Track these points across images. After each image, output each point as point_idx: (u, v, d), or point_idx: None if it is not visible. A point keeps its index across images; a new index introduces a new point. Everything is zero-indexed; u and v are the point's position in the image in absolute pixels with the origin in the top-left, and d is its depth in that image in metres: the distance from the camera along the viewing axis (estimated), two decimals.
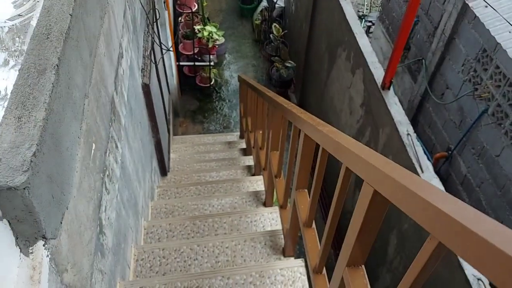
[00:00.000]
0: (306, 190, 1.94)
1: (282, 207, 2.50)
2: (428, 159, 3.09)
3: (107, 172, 1.84)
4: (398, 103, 3.37)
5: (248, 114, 4.64)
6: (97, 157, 1.67)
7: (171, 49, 4.34)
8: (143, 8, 3.16)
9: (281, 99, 2.36)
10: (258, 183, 3.64)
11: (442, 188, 2.79)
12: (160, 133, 3.80)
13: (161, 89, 4.16)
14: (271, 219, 2.83)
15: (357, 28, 4.00)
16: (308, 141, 1.71)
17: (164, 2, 4.83)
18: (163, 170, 3.98)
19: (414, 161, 3.01)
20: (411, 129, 3.19)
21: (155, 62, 3.78)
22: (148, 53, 3.37)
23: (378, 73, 3.60)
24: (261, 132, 3.61)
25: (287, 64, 6.14)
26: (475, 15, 4.42)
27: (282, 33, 6.45)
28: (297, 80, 6.48)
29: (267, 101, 3.06)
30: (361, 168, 1.09)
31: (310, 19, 5.38)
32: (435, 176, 2.83)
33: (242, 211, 2.93)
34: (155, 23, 4.08)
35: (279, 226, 2.70)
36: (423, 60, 5.65)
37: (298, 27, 6.17)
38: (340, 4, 4.25)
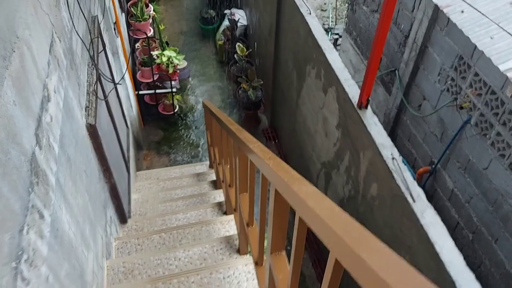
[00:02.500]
0: (283, 254, 1.57)
1: (257, 263, 2.12)
2: (411, 174, 2.79)
3: (25, 257, 1.42)
4: (378, 123, 3.08)
5: (215, 143, 4.27)
6: (4, 243, 1.26)
7: (120, 82, 3.95)
8: (81, 38, 2.77)
9: (245, 136, 2.00)
10: (230, 224, 3.25)
11: (435, 214, 2.49)
12: (116, 176, 3.38)
13: (115, 125, 3.75)
14: (246, 273, 2.44)
15: (325, 43, 3.72)
16: (281, 200, 1.35)
17: (114, 29, 4.45)
18: (123, 217, 3.54)
19: (403, 188, 2.70)
20: (396, 152, 2.89)
21: (105, 96, 3.38)
22: (94, 88, 2.97)
23: (353, 91, 3.31)
24: (228, 167, 3.24)
25: (255, 84, 5.83)
26: (448, 21, 4.23)
27: (247, 53, 6.17)
28: (266, 100, 6.17)
29: (231, 136, 2.70)
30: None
31: (274, 36, 5.10)
32: (429, 205, 2.52)
33: (212, 265, 2.53)
34: (102, 53, 3.69)
35: (256, 282, 2.31)
36: (396, 71, 5.45)
37: (263, 45, 5.89)
38: (304, 19, 3.98)
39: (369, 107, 3.17)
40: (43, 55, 1.93)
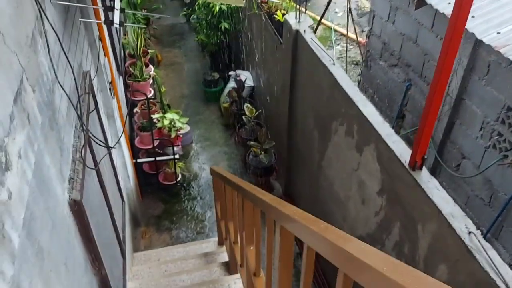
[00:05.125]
0: None
1: None
2: None
3: None
4: (441, 188, 2.48)
5: (228, 217, 3.61)
6: None
7: (115, 147, 3.40)
8: (66, 93, 2.24)
9: (252, 187, 1.44)
10: None
11: None
12: (107, 264, 2.70)
13: (108, 199, 3.13)
14: None
15: (357, 95, 3.23)
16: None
17: (110, 89, 3.98)
18: None
19: (491, 272, 2.03)
20: (471, 224, 2.26)
21: (95, 165, 2.79)
22: (82, 155, 2.39)
23: (401, 148, 2.74)
24: (252, 248, 2.57)
25: (266, 147, 5.30)
26: (488, 69, 3.80)
27: (256, 114, 5.71)
28: (280, 165, 5.60)
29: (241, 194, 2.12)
30: None
31: (289, 94, 4.65)
32: None
33: None
34: (95, 115, 3.17)
35: None
36: None
37: (274, 105, 5.45)
38: (328, 70, 3.53)
39: (424, 167, 2.58)
40: (1, 104, 1.37)
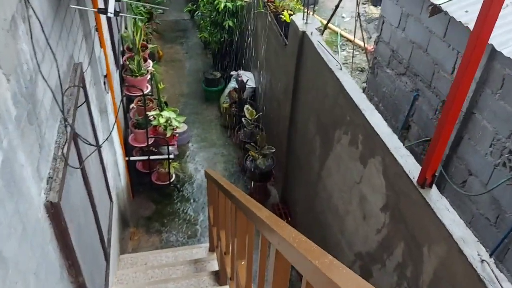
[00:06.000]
0: None
1: None
2: None
3: None
4: (451, 209, 2.30)
5: (220, 224, 3.43)
6: None
7: (101, 145, 3.22)
8: (48, 85, 2.05)
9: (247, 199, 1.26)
10: None
11: None
12: (86, 270, 2.51)
13: (93, 200, 2.94)
14: None
15: (364, 103, 3.05)
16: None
17: (104, 83, 3.80)
18: None
19: None
20: (483, 252, 2.08)
21: (80, 163, 2.61)
22: (64, 152, 2.21)
23: (409, 163, 2.57)
24: (243, 263, 2.38)
25: (265, 152, 5.12)
26: (503, 83, 3.62)
27: (256, 116, 5.53)
28: (278, 170, 5.42)
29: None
30: None
31: (291, 98, 4.47)
32: None
33: None
34: (85, 110, 2.99)
35: None
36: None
37: (276, 108, 5.27)
38: (335, 75, 3.35)
39: (434, 185, 2.41)
40: None
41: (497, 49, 3.11)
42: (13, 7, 1.71)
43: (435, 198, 2.34)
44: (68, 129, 2.32)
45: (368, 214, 3.08)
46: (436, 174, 2.37)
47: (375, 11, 10.33)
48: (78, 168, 2.57)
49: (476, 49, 1.96)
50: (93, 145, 2.71)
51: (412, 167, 2.53)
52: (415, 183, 2.44)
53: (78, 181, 2.67)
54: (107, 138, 3.37)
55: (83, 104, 2.88)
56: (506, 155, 3.69)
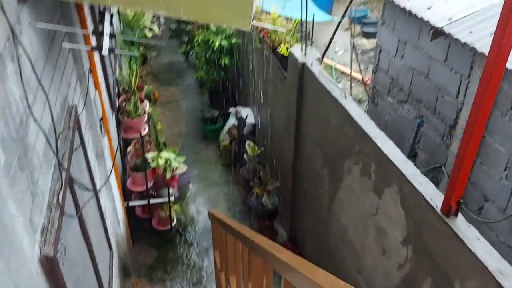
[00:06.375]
0: None
1: None
2: None
3: None
4: (482, 238, 2.12)
5: (229, 269, 3.20)
6: None
7: (99, 190, 3.05)
8: (41, 129, 1.92)
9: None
10: None
11: None
12: None
13: (92, 250, 2.74)
14: None
15: (374, 130, 2.93)
16: None
17: (100, 126, 3.68)
18: None
19: None
20: None
21: (77, 211, 2.43)
22: (59, 199, 2.04)
23: (430, 191, 2.41)
24: None
25: (270, 188, 4.94)
26: None
27: (258, 152, 5.39)
28: (284, 207, 5.22)
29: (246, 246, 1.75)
30: None
31: (294, 131, 4.35)
32: None
33: None
34: (81, 154, 2.84)
35: None
36: (442, 167, 4.62)
37: (278, 142, 5.14)
38: (340, 104, 3.25)
39: (460, 214, 2.24)
40: None
41: (509, 68, 3.03)
42: (0, 45, 1.60)
43: (463, 227, 2.17)
44: (64, 174, 2.16)
45: (388, 248, 2.88)
46: (462, 201, 2.21)
47: (367, 43, 10.47)
48: (75, 216, 2.40)
49: (493, 74, 1.85)
50: (91, 190, 2.54)
51: (433, 195, 2.37)
52: (439, 212, 2.27)
53: (75, 230, 2.48)
54: (105, 183, 3.21)
55: (79, 148, 2.74)
56: None
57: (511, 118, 3.55)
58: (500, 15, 1.71)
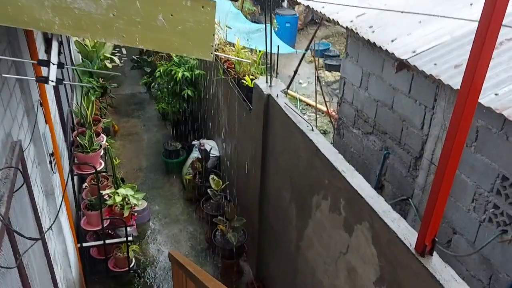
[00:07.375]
0: None
1: None
2: None
3: None
4: (459, 279, 2.02)
5: None
6: None
7: (43, 235, 2.77)
8: None
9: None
10: None
11: None
12: None
13: None
14: None
15: (343, 165, 2.84)
16: None
17: (51, 163, 3.41)
18: None
19: None
20: None
21: (17, 259, 2.16)
22: None
23: (402, 228, 2.31)
24: None
25: (235, 225, 4.75)
26: (477, 135, 3.56)
27: (223, 186, 5.21)
28: (251, 244, 5.02)
29: None
30: None
31: (260, 164, 4.22)
32: None
33: None
34: (25, 194, 2.58)
35: None
36: (409, 200, 4.59)
37: (244, 176, 4.99)
38: (307, 137, 3.16)
39: (435, 252, 2.14)
40: None
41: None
42: None
43: (440, 268, 2.07)
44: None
45: None
46: (436, 239, 2.12)
47: (330, 76, 10.68)
48: (14, 266, 2.13)
49: (465, 110, 1.80)
50: (33, 239, 2.28)
51: (406, 233, 2.27)
52: (413, 251, 2.17)
53: (13, 282, 2.20)
54: (50, 227, 2.93)
55: (22, 188, 2.48)
56: (491, 210, 3.54)
57: (477, 149, 3.57)
58: (472, 47, 1.67)
